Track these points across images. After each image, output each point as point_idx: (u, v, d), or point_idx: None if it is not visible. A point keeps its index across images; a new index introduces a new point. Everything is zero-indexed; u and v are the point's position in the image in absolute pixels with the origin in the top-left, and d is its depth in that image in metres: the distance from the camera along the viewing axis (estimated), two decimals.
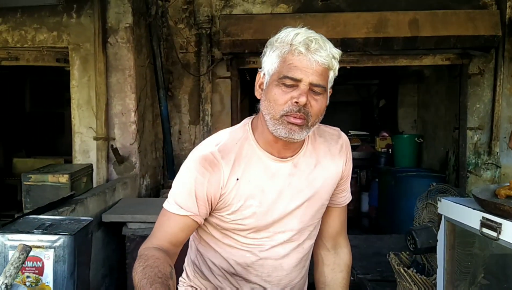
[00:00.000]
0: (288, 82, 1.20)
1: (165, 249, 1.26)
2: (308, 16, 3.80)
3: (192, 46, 4.12)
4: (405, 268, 1.81)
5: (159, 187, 3.96)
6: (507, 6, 4.01)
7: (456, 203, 1.56)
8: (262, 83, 1.29)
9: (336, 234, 1.52)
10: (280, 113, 1.22)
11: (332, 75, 1.26)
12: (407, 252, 1.96)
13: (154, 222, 1.34)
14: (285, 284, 1.40)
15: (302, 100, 1.19)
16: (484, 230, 1.35)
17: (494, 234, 1.31)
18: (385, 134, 6.22)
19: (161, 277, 1.10)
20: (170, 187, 1.36)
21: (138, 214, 2.81)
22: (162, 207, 1.33)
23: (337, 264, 1.52)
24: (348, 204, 1.54)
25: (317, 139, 1.39)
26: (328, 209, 1.46)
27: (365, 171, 6.45)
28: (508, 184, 1.57)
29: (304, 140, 1.33)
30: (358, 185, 6.22)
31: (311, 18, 3.78)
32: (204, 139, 1.39)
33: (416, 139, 5.37)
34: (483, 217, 1.37)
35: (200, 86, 4.09)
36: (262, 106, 1.27)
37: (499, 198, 1.46)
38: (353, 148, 6.58)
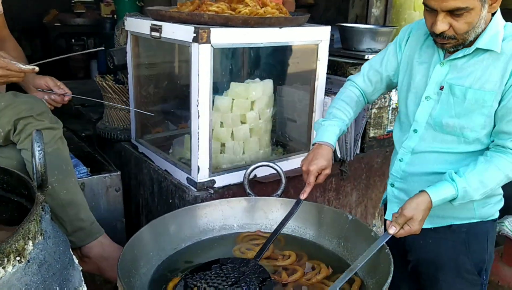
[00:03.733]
0: None
1: None
2: None
3: None
4: (107, 82, 2.20)
5: None
6: None
7: (137, 18, 1.97)
8: None
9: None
10: None
11: None
12: (111, 75, 2.34)
13: None
14: None
15: None
16: (152, 33, 1.80)
17: (157, 34, 1.78)
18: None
19: None
20: None
21: None
22: None
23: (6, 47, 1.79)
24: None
25: None
26: None
27: (93, 38, 6.44)
28: None
29: None
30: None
31: None
32: None
33: (137, 2, 5.64)
34: (151, 24, 1.81)
35: None
36: None
37: None
38: (78, 15, 6.41)
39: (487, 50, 1.33)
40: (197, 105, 1.67)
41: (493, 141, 1.37)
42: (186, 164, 1.88)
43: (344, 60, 2.20)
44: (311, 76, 1.96)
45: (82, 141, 2.11)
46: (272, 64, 2.14)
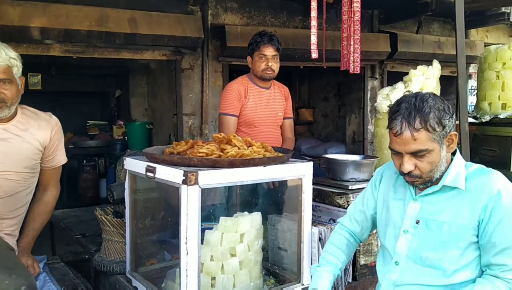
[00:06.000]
0: None
1: None
2: (28, 5, 3.86)
3: None
4: (106, 216, 2.31)
5: None
6: (209, 13, 4.98)
7: (134, 159, 2.13)
8: None
9: (47, 183, 2.15)
10: None
11: (16, 70, 1.85)
12: (111, 206, 2.46)
13: None
14: None
15: None
16: (148, 173, 1.95)
17: (152, 175, 1.92)
18: (121, 122, 6.69)
19: None
20: None
21: None
22: None
23: (42, 199, 2.15)
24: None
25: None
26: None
27: (103, 159, 6.75)
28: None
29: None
30: (96, 172, 6.49)
31: (31, 6, 3.86)
32: None
33: (146, 125, 6.02)
34: (147, 165, 1.96)
35: None
36: None
37: (164, 154, 2.09)
38: (91, 137, 6.79)
39: (454, 187, 1.44)
40: (186, 243, 1.74)
41: (484, 270, 1.42)
42: None
43: (330, 189, 2.31)
44: (298, 207, 2.05)
45: (76, 278, 2.14)
46: (261, 196, 2.26)
